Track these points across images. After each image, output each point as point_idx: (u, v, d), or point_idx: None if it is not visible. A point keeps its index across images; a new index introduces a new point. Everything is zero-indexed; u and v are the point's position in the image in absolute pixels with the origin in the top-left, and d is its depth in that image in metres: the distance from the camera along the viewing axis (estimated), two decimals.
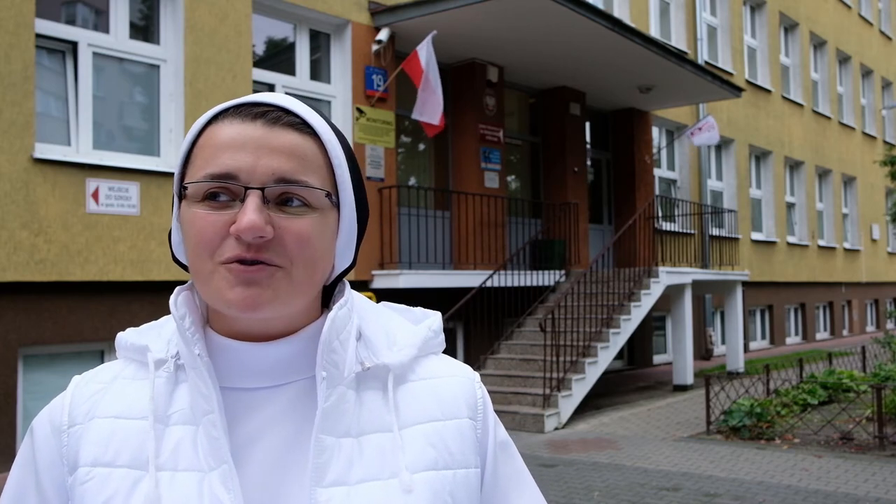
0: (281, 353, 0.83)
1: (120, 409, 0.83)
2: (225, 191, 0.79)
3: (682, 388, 10.82)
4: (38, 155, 6.32)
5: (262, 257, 0.78)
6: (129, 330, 0.90)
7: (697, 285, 12.02)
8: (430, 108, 8.52)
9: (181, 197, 0.82)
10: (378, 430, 0.83)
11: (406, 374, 0.88)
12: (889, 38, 25.21)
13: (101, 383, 0.86)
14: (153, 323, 0.91)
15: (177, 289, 0.86)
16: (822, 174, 20.66)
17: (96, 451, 0.81)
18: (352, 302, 0.87)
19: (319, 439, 0.79)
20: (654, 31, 14.34)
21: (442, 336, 0.94)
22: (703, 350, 15.07)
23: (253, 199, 0.78)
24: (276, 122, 0.81)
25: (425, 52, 8.41)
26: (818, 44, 20.81)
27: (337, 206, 0.84)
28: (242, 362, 0.83)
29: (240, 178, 0.79)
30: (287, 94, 0.88)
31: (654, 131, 14.70)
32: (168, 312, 0.88)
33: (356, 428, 0.82)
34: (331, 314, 0.82)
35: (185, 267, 0.88)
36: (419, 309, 0.96)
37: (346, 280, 0.90)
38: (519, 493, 0.92)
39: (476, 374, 0.93)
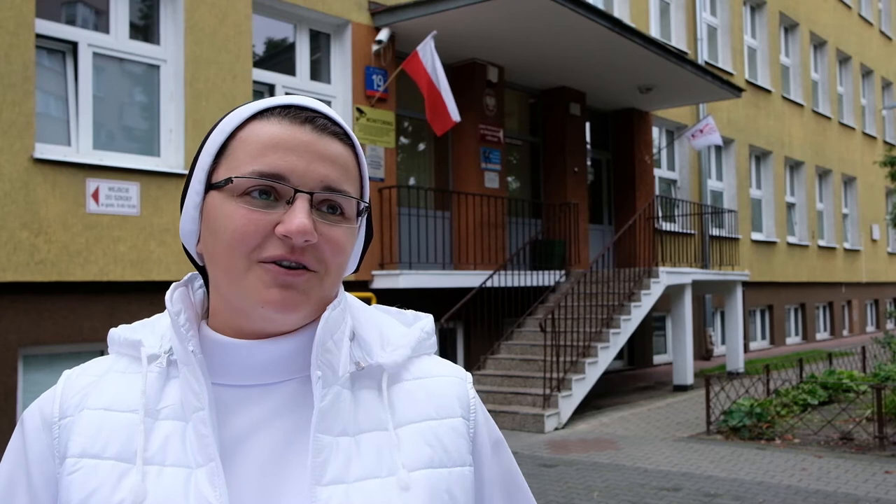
0: (275, 351, 0.83)
1: (110, 401, 0.83)
2: (272, 190, 0.80)
3: (682, 389, 10.82)
4: (38, 155, 6.32)
5: (303, 260, 0.80)
6: (122, 326, 0.90)
7: (697, 285, 12.02)
8: (452, 106, 8.58)
9: (212, 187, 0.83)
10: (374, 428, 0.83)
11: (400, 373, 0.89)
12: (889, 38, 25.21)
13: (93, 376, 0.87)
14: (145, 320, 0.91)
15: (173, 285, 0.87)
16: (822, 174, 20.66)
17: (85, 442, 0.81)
18: (345, 303, 0.88)
19: (318, 438, 0.80)
20: (654, 31, 14.34)
21: (434, 338, 0.95)
22: (703, 350, 15.07)
23: (302, 203, 0.80)
24: (323, 130, 0.83)
25: (430, 54, 8.40)
26: (818, 44, 20.81)
27: (362, 217, 0.88)
28: (236, 359, 0.83)
29: (290, 180, 0.80)
30: (287, 94, 0.89)
31: (654, 131, 14.70)
32: (164, 310, 0.88)
33: (353, 427, 0.83)
34: (324, 314, 0.83)
35: (191, 257, 0.89)
36: (411, 312, 0.97)
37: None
38: (510, 493, 0.93)
39: (468, 375, 0.94)
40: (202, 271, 0.89)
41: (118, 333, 0.89)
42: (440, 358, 0.95)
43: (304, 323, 0.84)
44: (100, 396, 0.84)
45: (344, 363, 0.84)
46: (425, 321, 0.95)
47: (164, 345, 0.86)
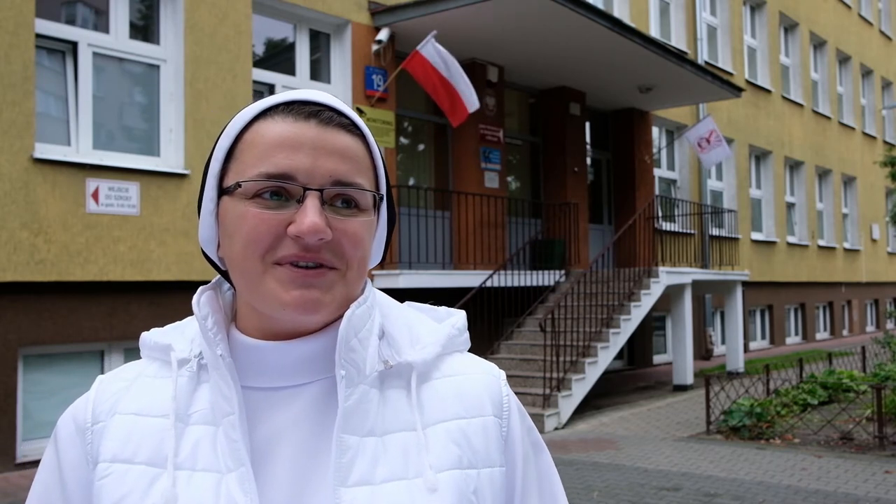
0: (304, 351, 0.82)
1: (141, 406, 0.83)
2: (283, 191, 0.79)
3: (682, 388, 10.82)
4: (38, 155, 6.32)
5: (321, 259, 0.78)
6: (154, 329, 0.90)
7: (697, 285, 12.02)
8: (469, 97, 8.74)
9: (224, 192, 0.82)
10: (402, 428, 0.82)
11: (430, 371, 0.87)
12: (889, 38, 25.21)
13: (125, 381, 0.86)
14: (177, 323, 0.91)
15: (200, 288, 0.86)
16: (822, 174, 20.66)
17: (116, 447, 0.81)
18: (372, 300, 0.86)
19: (342, 439, 0.78)
20: (654, 31, 14.34)
21: (466, 334, 0.93)
22: (703, 350, 15.07)
23: (313, 201, 0.78)
24: (329, 123, 0.81)
25: (435, 52, 8.41)
26: (818, 44, 20.81)
27: (379, 206, 0.86)
28: (265, 361, 0.82)
29: (298, 179, 0.78)
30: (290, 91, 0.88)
31: (654, 131, 14.70)
32: (188, 313, 0.88)
33: (380, 427, 0.81)
34: (347, 312, 0.81)
35: (214, 264, 0.88)
36: (444, 308, 0.95)
37: (368, 279, 0.89)
38: (543, 493, 0.90)
39: (502, 373, 0.92)
40: (226, 276, 0.88)
41: (149, 337, 0.89)
42: (472, 355, 0.92)
43: (328, 321, 0.82)
44: (131, 401, 0.84)
45: (371, 362, 0.82)
46: (457, 318, 0.93)
47: (194, 349, 0.85)
